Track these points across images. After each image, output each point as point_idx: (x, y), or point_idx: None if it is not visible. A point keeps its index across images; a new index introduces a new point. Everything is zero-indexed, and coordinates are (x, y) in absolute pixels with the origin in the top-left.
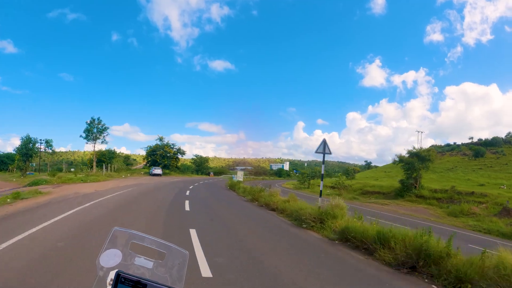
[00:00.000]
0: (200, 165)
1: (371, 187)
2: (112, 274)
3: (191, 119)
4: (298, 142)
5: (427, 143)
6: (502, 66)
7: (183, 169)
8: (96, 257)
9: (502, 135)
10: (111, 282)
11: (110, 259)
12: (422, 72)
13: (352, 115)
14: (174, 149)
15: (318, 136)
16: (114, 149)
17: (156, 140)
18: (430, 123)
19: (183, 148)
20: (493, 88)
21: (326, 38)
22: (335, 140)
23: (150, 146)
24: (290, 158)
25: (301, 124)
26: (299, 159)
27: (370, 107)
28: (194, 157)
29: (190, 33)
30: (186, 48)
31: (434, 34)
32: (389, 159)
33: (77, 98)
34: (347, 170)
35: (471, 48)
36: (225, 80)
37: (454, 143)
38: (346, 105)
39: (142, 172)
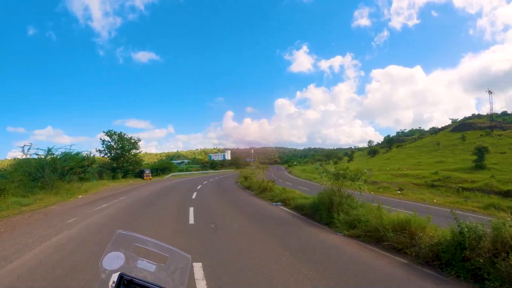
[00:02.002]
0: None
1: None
2: (114, 277)
3: (118, 116)
4: (228, 132)
5: (354, 124)
6: (427, 49)
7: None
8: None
9: (425, 114)
10: (113, 285)
11: (113, 262)
12: (348, 57)
13: (280, 102)
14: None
15: (248, 124)
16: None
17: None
18: (358, 105)
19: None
20: (418, 69)
21: (253, 26)
22: (265, 127)
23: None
24: (221, 147)
25: (230, 113)
26: (236, 148)
27: (298, 93)
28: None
29: (112, 22)
30: (109, 40)
31: (362, 19)
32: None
33: None
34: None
35: (398, 32)
36: (150, 72)
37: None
38: (274, 92)
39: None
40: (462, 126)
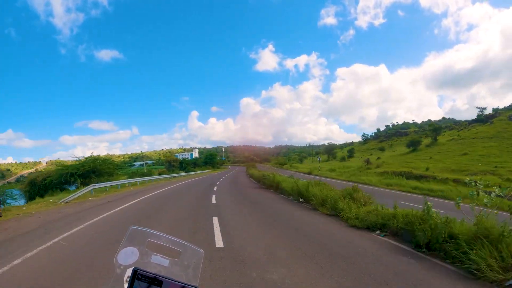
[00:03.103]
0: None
1: None
2: (129, 272)
3: (80, 118)
4: (193, 132)
5: (319, 122)
6: (392, 48)
7: None
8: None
9: (389, 111)
10: (128, 279)
11: (127, 257)
12: (314, 56)
13: (246, 101)
14: None
15: (213, 124)
16: None
17: None
18: (323, 103)
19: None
20: (382, 68)
21: (218, 24)
22: (230, 127)
23: None
24: (186, 148)
25: (195, 113)
26: (204, 147)
27: (263, 92)
28: None
29: (74, 19)
30: (70, 37)
31: (328, 18)
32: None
33: None
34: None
35: (363, 31)
36: (113, 72)
37: None
38: (240, 91)
39: None
40: None
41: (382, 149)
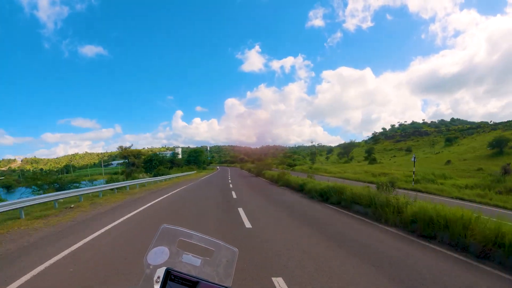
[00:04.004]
0: None
1: None
2: (159, 272)
3: (63, 115)
4: (177, 132)
5: (304, 123)
6: (378, 51)
7: None
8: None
9: (373, 114)
10: (158, 280)
11: (157, 257)
12: (300, 58)
13: (231, 101)
14: None
15: (198, 124)
16: None
17: None
18: (308, 105)
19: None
20: (368, 71)
21: (205, 23)
22: (214, 127)
23: None
24: (169, 147)
25: (179, 113)
26: (187, 146)
27: (248, 93)
28: None
29: (59, 12)
30: (54, 31)
31: (316, 20)
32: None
33: None
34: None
35: (351, 34)
36: (97, 68)
37: None
38: (225, 91)
39: None
40: None
41: (409, 150)
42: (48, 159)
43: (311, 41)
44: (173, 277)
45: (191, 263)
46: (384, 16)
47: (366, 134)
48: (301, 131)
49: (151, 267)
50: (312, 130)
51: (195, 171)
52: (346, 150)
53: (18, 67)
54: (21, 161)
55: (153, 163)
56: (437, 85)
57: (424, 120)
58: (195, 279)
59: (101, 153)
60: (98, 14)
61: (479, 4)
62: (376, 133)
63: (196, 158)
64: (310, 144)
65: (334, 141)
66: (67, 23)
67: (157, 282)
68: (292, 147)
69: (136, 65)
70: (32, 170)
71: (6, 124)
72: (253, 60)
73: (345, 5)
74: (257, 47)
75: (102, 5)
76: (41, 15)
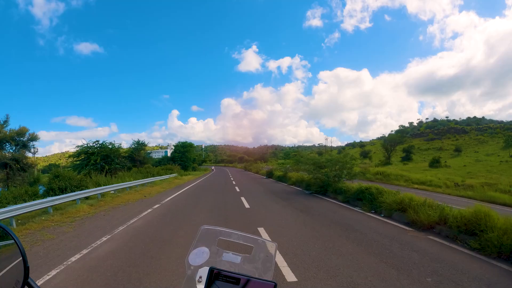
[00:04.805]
0: None
1: None
2: (201, 272)
3: (58, 113)
4: (173, 131)
5: (300, 124)
6: (375, 52)
7: None
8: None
9: (370, 116)
10: (200, 280)
11: (198, 257)
12: (297, 58)
13: (227, 101)
14: None
15: (194, 123)
16: None
17: None
18: (304, 105)
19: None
20: (365, 72)
21: (202, 22)
22: (210, 127)
23: None
24: (163, 146)
25: (175, 112)
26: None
27: (245, 93)
28: None
29: (54, 9)
30: (50, 28)
31: (314, 20)
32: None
33: None
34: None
35: (349, 34)
36: (93, 66)
37: None
38: (221, 91)
39: None
40: None
41: (458, 150)
42: (36, 157)
43: (308, 41)
44: (216, 276)
45: (231, 261)
46: (383, 17)
47: (362, 136)
48: (297, 132)
49: (192, 267)
50: (308, 131)
51: (175, 174)
52: (390, 145)
53: (12, 64)
54: None
55: (112, 162)
56: (434, 87)
57: (426, 119)
58: (238, 275)
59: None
60: (94, 11)
61: (478, 6)
62: (392, 131)
63: (183, 154)
64: (311, 144)
65: (331, 142)
66: (63, 19)
67: (199, 282)
68: (292, 147)
69: (132, 63)
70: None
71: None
72: (250, 60)
73: (344, 5)
74: (254, 47)
75: (98, 2)
76: (36, 11)
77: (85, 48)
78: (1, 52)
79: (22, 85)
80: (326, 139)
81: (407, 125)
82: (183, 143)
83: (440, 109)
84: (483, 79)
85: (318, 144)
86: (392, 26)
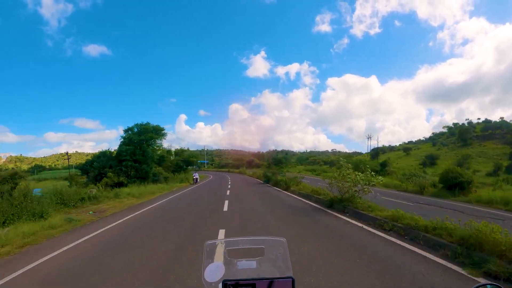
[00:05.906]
0: None
1: None
2: (220, 286)
3: (65, 115)
4: (180, 136)
5: (307, 131)
6: (384, 59)
7: None
8: None
9: (378, 123)
10: None
11: (213, 273)
12: (306, 64)
13: (235, 106)
14: None
15: (201, 128)
16: None
17: None
18: (312, 112)
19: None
20: (373, 79)
21: (210, 26)
22: (217, 132)
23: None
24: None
25: (183, 116)
26: (186, 148)
27: (253, 98)
28: None
29: (62, 10)
30: (58, 29)
31: (323, 25)
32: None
33: None
34: None
35: (358, 40)
36: (100, 68)
37: None
38: (229, 96)
39: None
40: None
41: None
42: (34, 158)
43: (317, 47)
44: (231, 286)
45: (248, 267)
46: (392, 22)
47: (374, 143)
48: (304, 138)
49: (211, 284)
50: (315, 137)
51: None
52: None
53: (21, 65)
54: (6, 158)
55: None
56: (443, 94)
57: (477, 119)
58: (252, 281)
59: (90, 153)
60: (103, 13)
61: (488, 12)
62: (436, 132)
63: (139, 149)
64: (322, 150)
65: (338, 149)
66: (71, 21)
67: None
68: (304, 152)
69: (140, 66)
70: (11, 168)
71: (9, 122)
72: (258, 65)
73: (353, 10)
74: (262, 53)
75: (106, 4)
76: (44, 12)
77: (93, 49)
78: (10, 53)
79: (31, 86)
80: (368, 137)
81: (450, 125)
82: (140, 124)
83: (449, 116)
84: (493, 86)
85: (332, 149)
86: (402, 32)
